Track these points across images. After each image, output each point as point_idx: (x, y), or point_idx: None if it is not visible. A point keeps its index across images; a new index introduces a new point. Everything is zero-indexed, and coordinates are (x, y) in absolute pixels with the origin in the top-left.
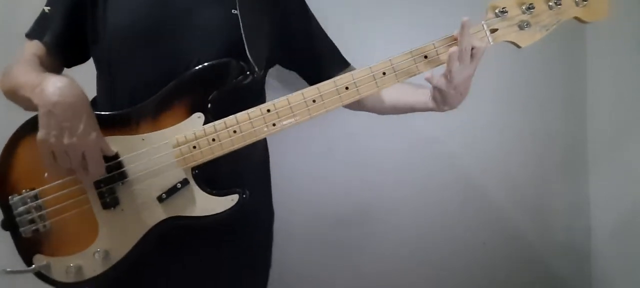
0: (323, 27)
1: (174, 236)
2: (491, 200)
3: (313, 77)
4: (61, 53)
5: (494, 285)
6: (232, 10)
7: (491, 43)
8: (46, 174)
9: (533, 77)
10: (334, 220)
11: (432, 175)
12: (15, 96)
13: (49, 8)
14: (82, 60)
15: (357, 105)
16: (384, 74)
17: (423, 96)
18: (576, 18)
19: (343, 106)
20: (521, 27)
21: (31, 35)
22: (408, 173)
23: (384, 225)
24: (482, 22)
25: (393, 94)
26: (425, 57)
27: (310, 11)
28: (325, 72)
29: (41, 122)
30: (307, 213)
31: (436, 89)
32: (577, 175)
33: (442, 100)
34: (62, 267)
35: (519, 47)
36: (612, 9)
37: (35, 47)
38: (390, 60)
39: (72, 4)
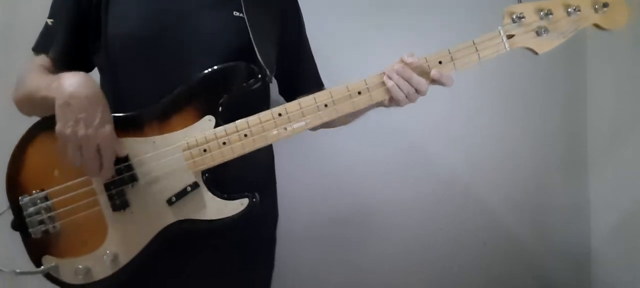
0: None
1: (179, 236)
2: (491, 201)
3: (289, 92)
4: (67, 66)
5: (493, 285)
6: (234, 13)
7: (508, 49)
8: (57, 172)
9: (533, 76)
10: (335, 219)
11: (433, 175)
12: (30, 101)
13: (51, 20)
14: (89, 70)
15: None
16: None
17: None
18: (596, 25)
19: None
20: (539, 34)
21: (37, 49)
22: (408, 173)
23: (384, 225)
24: (499, 27)
25: None
26: (440, 62)
27: (305, 30)
28: (302, 91)
29: (58, 114)
30: (307, 212)
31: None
32: (577, 175)
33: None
34: (70, 268)
35: (536, 53)
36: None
37: (41, 60)
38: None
39: (74, 14)
